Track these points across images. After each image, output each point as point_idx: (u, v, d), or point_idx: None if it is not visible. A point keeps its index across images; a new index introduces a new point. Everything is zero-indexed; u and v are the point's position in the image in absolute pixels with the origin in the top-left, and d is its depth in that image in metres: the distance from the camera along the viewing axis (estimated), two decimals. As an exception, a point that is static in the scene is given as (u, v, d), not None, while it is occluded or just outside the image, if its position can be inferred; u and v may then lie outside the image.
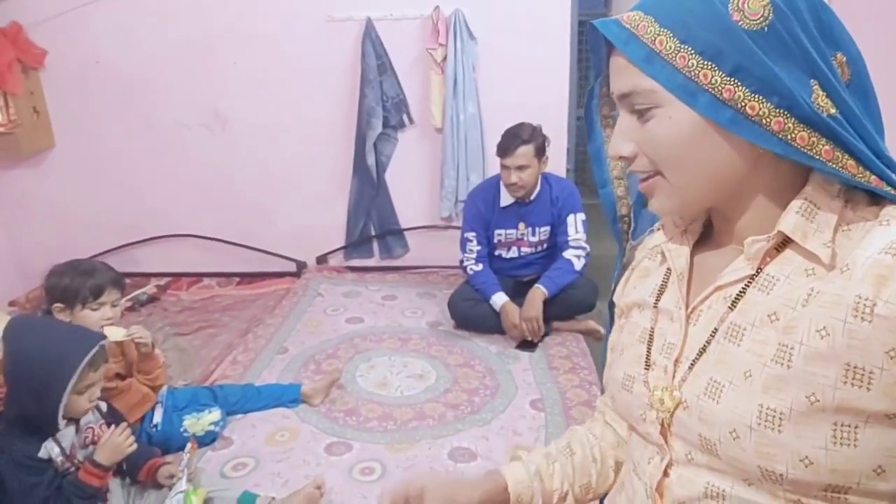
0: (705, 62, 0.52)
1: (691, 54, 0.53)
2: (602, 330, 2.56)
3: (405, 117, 3.12)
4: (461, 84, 2.92)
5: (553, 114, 2.97)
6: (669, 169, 0.58)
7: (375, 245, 3.40)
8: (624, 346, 0.72)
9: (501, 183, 2.57)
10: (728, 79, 0.52)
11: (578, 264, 2.52)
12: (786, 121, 0.51)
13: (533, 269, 2.70)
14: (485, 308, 2.56)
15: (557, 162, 2.98)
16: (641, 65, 0.55)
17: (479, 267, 2.64)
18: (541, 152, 2.47)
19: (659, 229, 0.73)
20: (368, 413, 2.05)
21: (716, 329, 0.59)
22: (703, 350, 0.60)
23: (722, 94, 0.52)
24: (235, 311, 2.97)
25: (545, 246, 2.68)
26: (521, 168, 2.44)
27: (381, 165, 3.16)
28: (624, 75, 0.57)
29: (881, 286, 0.49)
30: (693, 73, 0.53)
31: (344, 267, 3.42)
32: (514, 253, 2.69)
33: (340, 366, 2.35)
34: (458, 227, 3.18)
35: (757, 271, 0.58)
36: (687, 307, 0.64)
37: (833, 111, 0.52)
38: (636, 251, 0.81)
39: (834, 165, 0.52)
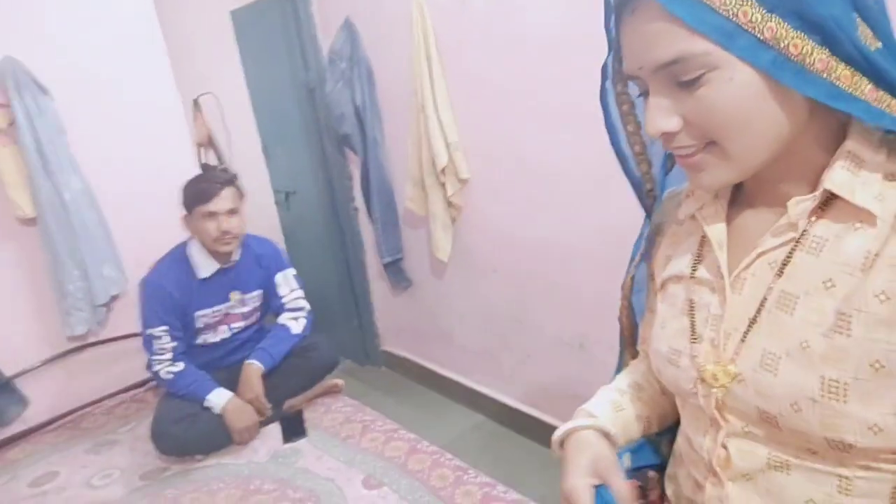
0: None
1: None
2: (342, 382, 2.33)
3: (-38, 217, 2.06)
4: (49, 154, 2.11)
5: (183, 168, 2.45)
6: (727, 136, 0.54)
7: (-35, 418, 2.17)
8: (665, 319, 0.70)
9: (193, 250, 2.01)
10: (769, 15, 0.49)
11: (297, 327, 2.21)
12: (828, 59, 0.50)
13: (249, 349, 2.22)
14: (205, 421, 1.97)
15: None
16: (690, 20, 0.49)
17: (180, 366, 2.01)
18: (242, 200, 2.04)
19: (688, 195, 0.69)
20: None
21: (765, 298, 0.58)
22: (753, 321, 0.59)
23: (763, 33, 0.49)
24: None
25: (257, 317, 2.24)
26: (231, 212, 1.97)
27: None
28: (664, 43, 0.52)
29: None
30: (731, 13, 0.49)
31: None
32: (223, 333, 2.15)
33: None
34: (106, 341, 2.35)
35: (801, 233, 0.57)
36: (729, 276, 0.62)
37: (878, 44, 0.51)
38: (655, 214, 0.79)
39: (878, 106, 0.51)
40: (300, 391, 2.16)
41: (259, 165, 3.66)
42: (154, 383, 2.42)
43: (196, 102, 3.73)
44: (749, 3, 0.48)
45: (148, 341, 1.98)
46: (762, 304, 0.58)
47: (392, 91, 2.61)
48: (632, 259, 0.83)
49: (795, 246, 0.57)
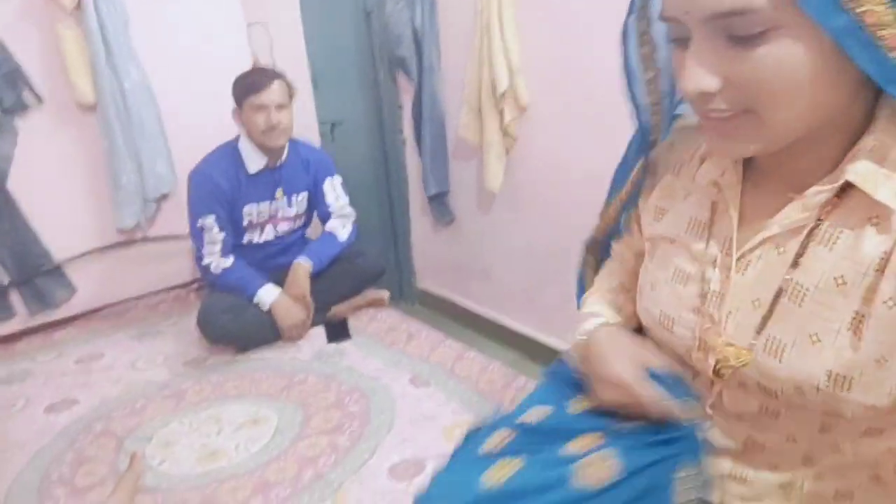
0: None
1: None
2: (386, 293, 2.30)
3: (26, 94, 2.06)
4: (113, 42, 2.09)
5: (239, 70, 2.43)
6: (770, 105, 0.49)
7: (15, 298, 2.20)
8: (655, 280, 0.68)
9: (243, 145, 1.99)
10: None
11: (343, 233, 2.19)
12: None
13: (293, 255, 2.21)
14: (252, 315, 1.97)
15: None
16: None
17: (230, 261, 2.01)
18: (292, 97, 2.02)
19: (705, 157, 0.65)
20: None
21: (781, 289, 0.56)
22: (770, 309, 0.57)
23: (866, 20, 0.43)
24: None
25: (304, 220, 2.22)
26: (280, 107, 1.96)
27: (-4, 174, 2.02)
28: None
29: None
30: None
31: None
32: (269, 234, 2.14)
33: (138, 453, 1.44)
34: (150, 239, 2.35)
35: (816, 222, 0.54)
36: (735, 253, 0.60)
37: None
38: (658, 155, 0.73)
39: None
40: (346, 298, 2.15)
41: (305, 99, 3.63)
42: (196, 286, 2.43)
43: (248, 33, 3.71)
44: None
45: (197, 233, 1.98)
46: (778, 295, 0.56)
47: (453, 13, 2.55)
48: (614, 190, 0.79)
49: (810, 237, 0.54)
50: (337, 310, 2.13)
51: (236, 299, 1.97)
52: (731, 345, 0.58)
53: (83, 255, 2.29)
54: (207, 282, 2.10)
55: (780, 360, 0.55)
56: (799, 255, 0.55)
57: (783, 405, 0.58)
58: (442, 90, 2.72)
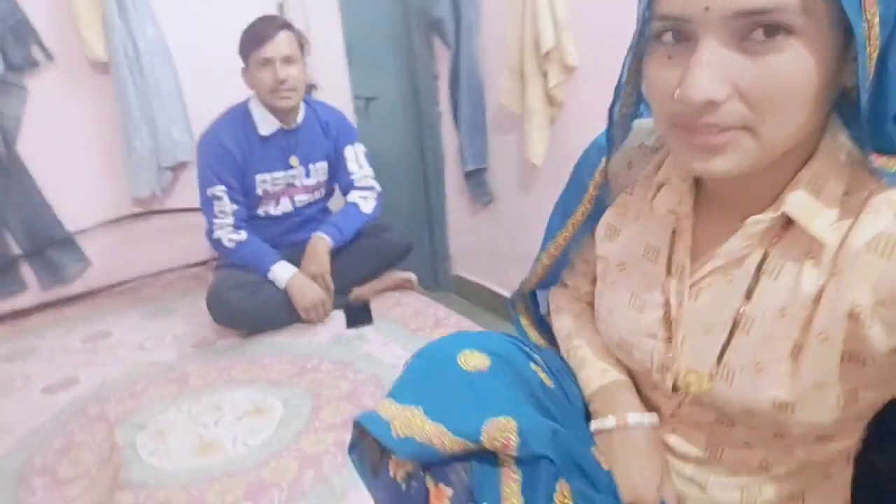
0: None
1: None
2: (414, 276, 2.10)
3: (35, 50, 1.93)
4: (128, -4, 1.95)
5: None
6: (773, 116, 0.47)
7: (27, 270, 2.09)
8: (613, 306, 0.70)
9: (254, 105, 1.81)
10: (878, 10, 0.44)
11: (367, 206, 1.98)
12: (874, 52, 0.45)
13: (313, 229, 2.03)
14: (267, 293, 1.79)
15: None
16: None
17: (242, 235, 1.83)
18: (304, 49, 1.82)
19: (662, 184, 0.64)
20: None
21: (735, 322, 0.57)
22: (708, 330, 0.60)
23: (870, 35, 0.44)
24: None
25: (323, 192, 2.03)
26: (288, 61, 1.74)
27: (5, 135, 1.90)
28: None
29: (873, 291, 0.48)
30: (868, 8, 0.44)
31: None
32: (286, 206, 1.95)
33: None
34: (167, 211, 2.21)
35: (764, 255, 0.56)
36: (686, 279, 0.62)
37: None
38: (615, 174, 0.71)
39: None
40: (369, 278, 1.95)
41: (340, 76, 3.45)
42: (215, 262, 2.28)
43: (280, 6, 3.56)
44: None
45: (207, 203, 1.81)
46: (734, 325, 0.58)
47: (496, -34, 2.30)
48: (548, 238, 0.81)
49: (760, 269, 0.56)
50: (359, 292, 1.93)
51: (249, 276, 1.80)
52: (693, 371, 0.61)
53: (97, 226, 2.16)
54: (220, 257, 1.94)
55: (729, 386, 0.58)
56: (752, 286, 0.56)
57: (737, 419, 0.60)
58: (481, 55, 2.49)
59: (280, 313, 1.78)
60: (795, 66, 0.45)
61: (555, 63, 2.09)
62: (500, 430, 0.56)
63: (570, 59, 2.04)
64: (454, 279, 3.10)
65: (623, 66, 0.62)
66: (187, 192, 2.26)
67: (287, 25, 1.75)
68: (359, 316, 1.83)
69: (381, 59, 3.04)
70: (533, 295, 0.96)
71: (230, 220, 1.81)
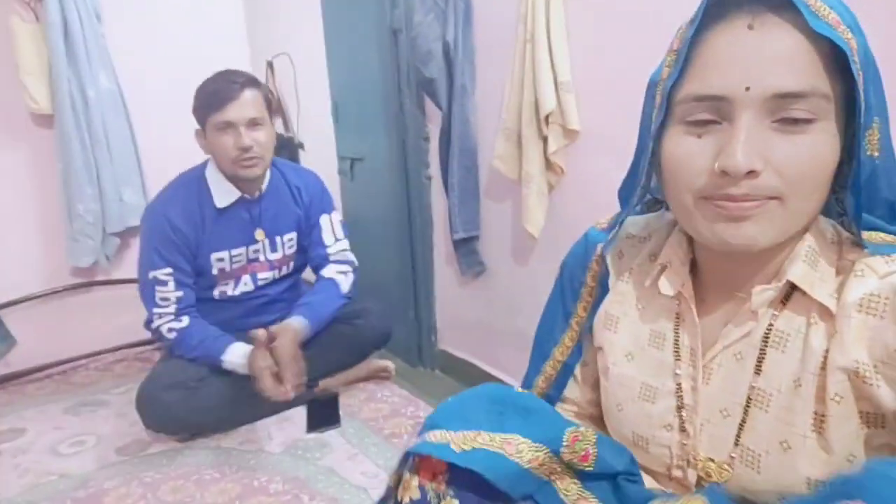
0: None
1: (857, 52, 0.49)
2: (392, 364, 1.81)
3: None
4: (77, 39, 1.74)
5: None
6: (801, 193, 0.51)
7: (-63, 351, 1.79)
8: (621, 401, 0.67)
9: (211, 174, 1.57)
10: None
11: (346, 284, 1.72)
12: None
13: (279, 311, 1.75)
14: (210, 392, 1.49)
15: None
16: (850, 58, 0.48)
17: (184, 321, 1.55)
18: (270, 109, 1.59)
19: (665, 266, 0.64)
20: None
21: (749, 398, 0.57)
22: (742, 420, 0.58)
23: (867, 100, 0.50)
24: None
25: (291, 267, 1.77)
26: (254, 125, 1.51)
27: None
28: (801, 69, 0.48)
29: (869, 350, 0.51)
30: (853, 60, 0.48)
31: None
32: (246, 286, 1.68)
33: None
34: (112, 283, 1.93)
35: (768, 328, 0.57)
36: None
37: (877, 154, 0.52)
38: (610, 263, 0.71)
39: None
40: (340, 369, 1.67)
41: (327, 135, 3.28)
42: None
43: (270, 64, 3.43)
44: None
45: (148, 288, 1.54)
46: (748, 403, 0.57)
47: (491, 28, 2.16)
48: (563, 315, 0.77)
49: (766, 341, 0.57)
50: (326, 384, 1.64)
51: (190, 371, 1.49)
52: (712, 460, 0.60)
53: (27, 299, 1.88)
54: (164, 347, 1.65)
55: (758, 472, 0.56)
56: (759, 360, 0.57)
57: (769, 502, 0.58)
58: (474, 118, 2.31)
59: (226, 416, 1.48)
60: (820, 148, 0.50)
61: (555, 127, 1.90)
62: (581, 440, 0.57)
63: (573, 124, 1.85)
64: (439, 354, 2.81)
65: (642, 152, 0.63)
66: (135, 260, 1.99)
67: (253, 82, 1.54)
68: (323, 416, 1.53)
69: (369, 119, 2.85)
70: None
71: (172, 308, 1.53)
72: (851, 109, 0.51)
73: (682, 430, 0.61)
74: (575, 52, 1.82)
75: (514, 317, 2.33)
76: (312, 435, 1.47)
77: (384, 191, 2.85)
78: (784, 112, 0.49)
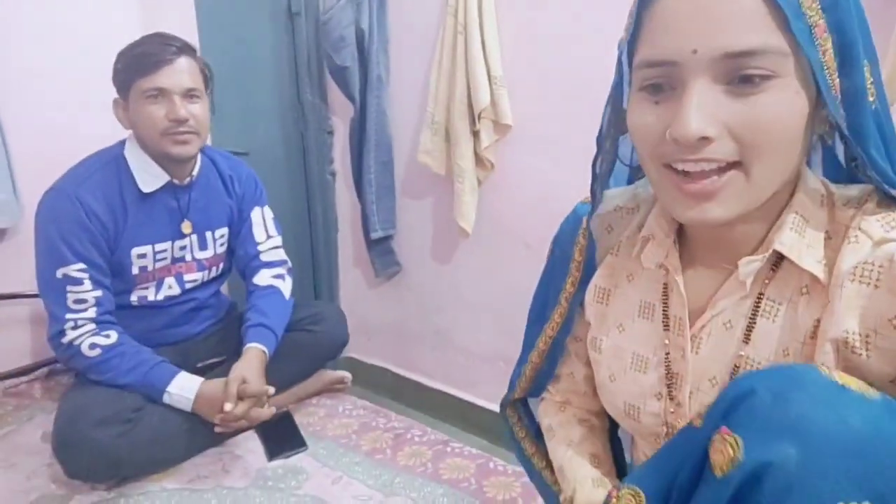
0: (823, 19, 0.48)
1: (817, 11, 0.48)
2: (349, 374, 1.67)
3: None
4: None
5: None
6: (762, 156, 0.49)
7: None
8: (613, 372, 0.68)
9: (132, 153, 1.31)
10: (826, 35, 0.48)
11: (287, 289, 1.54)
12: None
13: (206, 320, 1.51)
14: (153, 418, 1.24)
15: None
16: (792, 15, 0.46)
17: (112, 337, 1.27)
18: (208, 82, 1.37)
19: (648, 238, 0.65)
20: None
21: (736, 366, 0.58)
22: (715, 382, 0.59)
23: (824, 54, 0.48)
24: None
25: (221, 269, 1.53)
26: (190, 96, 1.29)
27: None
28: (751, 27, 0.46)
29: (861, 320, 0.50)
30: (812, 20, 0.47)
31: None
32: (171, 289, 1.43)
33: None
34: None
35: (758, 297, 0.57)
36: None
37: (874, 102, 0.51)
38: (597, 238, 0.71)
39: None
40: (294, 382, 1.48)
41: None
42: (45, 372, 1.62)
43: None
44: (818, 13, 0.47)
45: (55, 290, 1.23)
46: (735, 372, 0.57)
47: (406, 16, 2.10)
48: (554, 291, 0.76)
49: (756, 310, 0.57)
50: (275, 401, 1.44)
51: (121, 402, 1.22)
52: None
53: None
54: (70, 369, 1.33)
55: None
56: (748, 329, 0.57)
57: None
58: (390, 110, 2.22)
59: (176, 450, 1.24)
60: (780, 107, 0.48)
61: (487, 122, 1.89)
62: None
63: (506, 119, 1.86)
64: (344, 362, 2.66)
65: (603, 118, 0.63)
66: (4, 271, 1.59)
67: (190, 49, 1.31)
68: (282, 439, 1.35)
69: (256, 110, 2.60)
70: (524, 402, 0.89)
71: (91, 313, 1.24)
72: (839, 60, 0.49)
73: (672, 398, 0.62)
74: (506, 45, 1.83)
75: (431, 316, 2.30)
76: (278, 462, 1.28)
77: (277, 190, 2.62)
78: (737, 72, 0.48)
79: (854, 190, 0.56)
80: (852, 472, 0.40)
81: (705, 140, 0.48)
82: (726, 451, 0.44)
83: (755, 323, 0.56)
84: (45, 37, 1.60)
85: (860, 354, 0.50)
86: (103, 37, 1.67)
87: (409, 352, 2.43)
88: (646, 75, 0.52)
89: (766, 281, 0.56)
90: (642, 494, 0.53)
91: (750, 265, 0.55)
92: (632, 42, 0.54)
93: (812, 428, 0.41)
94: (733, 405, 0.46)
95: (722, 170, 0.50)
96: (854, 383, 0.44)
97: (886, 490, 0.39)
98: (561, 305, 0.74)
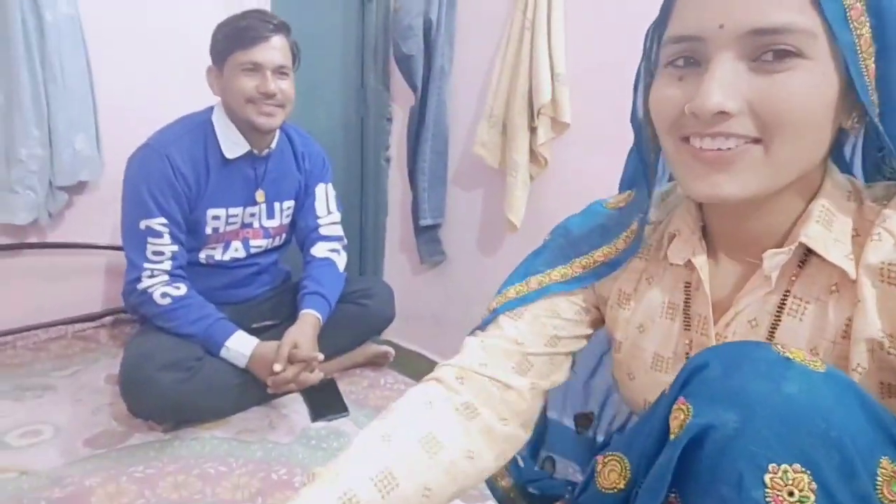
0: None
1: None
2: (392, 350, 1.73)
3: None
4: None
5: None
6: (784, 135, 0.49)
7: None
8: (633, 370, 0.67)
9: (219, 119, 1.39)
10: (864, 19, 0.48)
11: (342, 263, 1.61)
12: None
13: (264, 285, 1.59)
14: (213, 372, 1.32)
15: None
16: None
17: (182, 289, 1.36)
18: (296, 63, 1.45)
19: (675, 234, 0.64)
20: None
21: None
22: None
23: (861, 45, 0.48)
24: None
25: (283, 238, 1.61)
26: (281, 73, 1.36)
27: None
28: (775, 3, 0.46)
29: (889, 319, 0.49)
30: (853, 15, 0.47)
31: None
32: (237, 251, 1.51)
33: None
34: (50, 246, 1.64)
35: (784, 294, 0.55)
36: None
37: None
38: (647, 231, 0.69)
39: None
40: (342, 351, 1.55)
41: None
42: (111, 321, 1.73)
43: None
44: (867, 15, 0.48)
45: (138, 240, 1.32)
46: None
47: (475, 10, 2.13)
48: (552, 257, 0.75)
49: (781, 309, 0.55)
50: (321, 368, 1.51)
51: (183, 350, 1.31)
52: None
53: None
54: (139, 317, 1.42)
55: None
56: (773, 328, 0.55)
57: None
58: (450, 101, 2.26)
59: (229, 401, 1.32)
60: (804, 87, 0.47)
61: (545, 119, 1.91)
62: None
63: (565, 117, 1.88)
64: (384, 345, 2.73)
65: (634, 101, 0.64)
66: (82, 222, 1.70)
67: (286, 28, 1.39)
68: (326, 403, 1.41)
69: (319, 92, 2.68)
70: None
71: (167, 265, 1.33)
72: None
73: None
74: (570, 43, 1.85)
75: (472, 307, 2.32)
76: (321, 424, 1.34)
77: (333, 169, 2.70)
78: (762, 50, 0.47)
79: (880, 188, 0.56)
80: (784, 437, 0.42)
81: (723, 115, 0.48)
82: (679, 418, 0.47)
83: (780, 321, 0.55)
84: (136, 8, 1.70)
85: (893, 355, 0.49)
86: (191, 9, 1.77)
87: (446, 340, 2.47)
88: (672, 51, 0.52)
89: (793, 278, 0.55)
90: (626, 459, 0.56)
91: (775, 258, 0.53)
92: (660, 25, 0.55)
93: (751, 396, 0.44)
94: (690, 377, 0.49)
95: (740, 146, 0.50)
96: (800, 356, 0.46)
97: (815, 454, 0.42)
98: (573, 266, 0.70)
